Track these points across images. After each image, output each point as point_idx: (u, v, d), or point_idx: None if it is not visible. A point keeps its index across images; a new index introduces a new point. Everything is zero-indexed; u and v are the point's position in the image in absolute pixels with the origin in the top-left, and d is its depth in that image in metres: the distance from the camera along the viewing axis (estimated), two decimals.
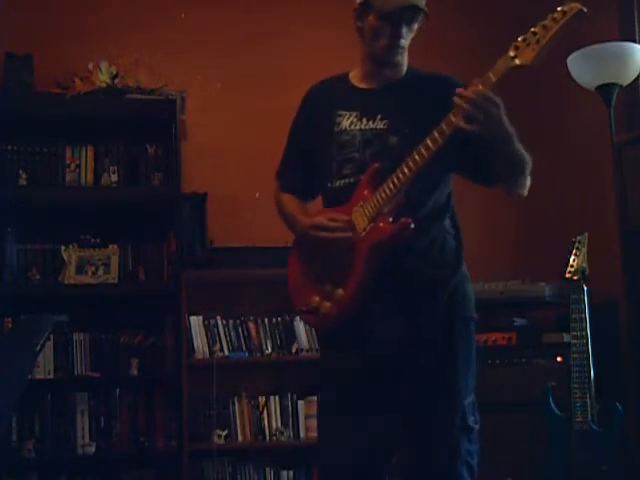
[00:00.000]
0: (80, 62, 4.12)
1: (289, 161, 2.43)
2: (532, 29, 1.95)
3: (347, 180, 2.20)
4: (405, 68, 2.29)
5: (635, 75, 3.67)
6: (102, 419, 3.97)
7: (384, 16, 2.15)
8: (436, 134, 2.00)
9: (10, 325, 3.89)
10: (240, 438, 4.08)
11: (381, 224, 2.10)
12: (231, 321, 4.15)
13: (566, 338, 3.49)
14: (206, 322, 4.11)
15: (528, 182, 2.21)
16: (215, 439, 3.99)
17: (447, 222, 2.27)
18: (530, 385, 3.46)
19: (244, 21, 4.46)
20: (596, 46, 3.63)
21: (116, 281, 4.05)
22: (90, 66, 4.09)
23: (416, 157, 2.03)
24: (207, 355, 4.06)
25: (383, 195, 2.10)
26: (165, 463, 3.97)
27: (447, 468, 2.17)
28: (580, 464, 3.11)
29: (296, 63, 4.44)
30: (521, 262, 4.36)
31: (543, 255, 4.24)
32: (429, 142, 2.01)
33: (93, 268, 4.06)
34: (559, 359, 3.64)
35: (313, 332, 4.13)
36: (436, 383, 2.18)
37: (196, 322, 4.09)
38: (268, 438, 4.09)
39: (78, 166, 4.09)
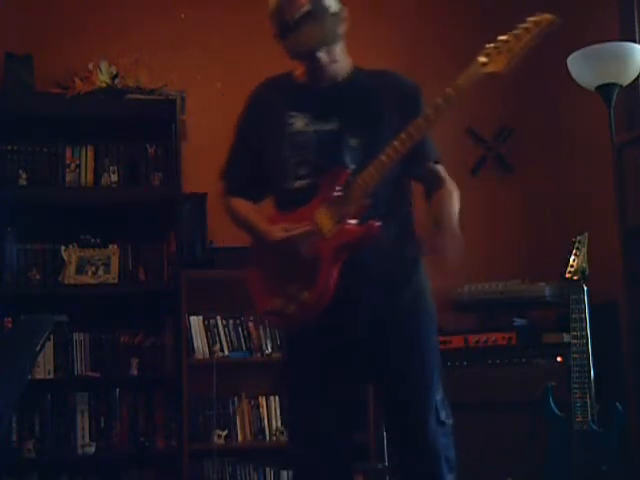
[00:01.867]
0: (80, 62, 4.12)
1: (236, 162, 2.38)
2: (503, 37, 2.00)
3: (305, 181, 2.20)
4: (346, 65, 2.29)
5: (635, 75, 3.67)
6: (102, 419, 3.98)
7: (296, 57, 2.24)
8: (396, 143, 2.06)
9: (10, 325, 3.89)
10: (240, 438, 4.08)
11: (347, 226, 2.12)
12: (231, 321, 4.15)
13: (566, 338, 3.49)
14: (206, 322, 4.11)
15: None
16: (215, 439, 3.99)
17: (407, 219, 2.31)
18: (530, 385, 3.46)
19: (244, 21, 4.46)
20: (596, 46, 3.63)
21: (116, 281, 4.05)
22: (90, 66, 4.09)
23: (383, 159, 2.06)
24: (207, 355, 4.06)
25: (347, 196, 2.12)
26: (165, 463, 3.98)
27: (429, 468, 2.21)
28: (580, 464, 3.11)
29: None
30: (521, 262, 4.36)
31: (543, 255, 4.25)
32: (392, 146, 2.06)
33: (93, 268, 4.06)
34: (559, 359, 3.64)
35: None
36: (406, 382, 2.22)
37: (196, 322, 4.09)
38: (268, 438, 4.09)
39: (78, 166, 4.09)
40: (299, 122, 2.24)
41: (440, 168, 2.34)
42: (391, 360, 2.22)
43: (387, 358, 2.22)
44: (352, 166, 2.16)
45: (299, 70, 2.33)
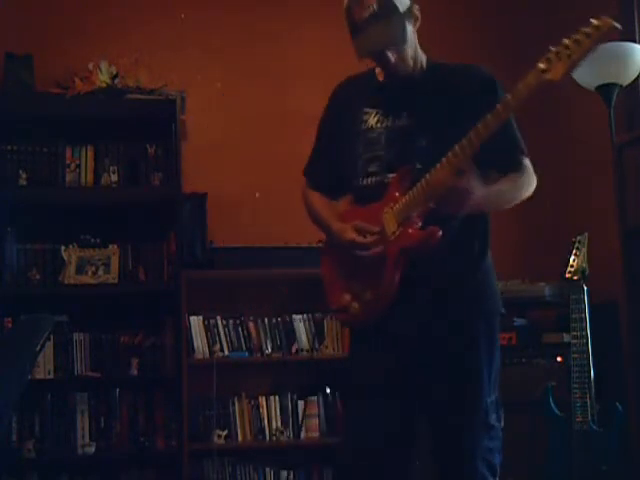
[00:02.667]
0: (80, 62, 4.12)
1: (317, 158, 2.42)
2: (565, 41, 1.90)
3: (374, 178, 2.21)
4: (421, 61, 2.27)
5: (635, 75, 3.67)
6: (102, 419, 3.97)
7: (366, 57, 2.19)
8: (457, 148, 2.00)
9: (10, 325, 3.89)
10: (240, 438, 4.08)
11: (410, 230, 2.10)
12: (231, 321, 4.15)
13: (566, 338, 3.49)
14: (206, 322, 4.11)
15: (520, 198, 2.23)
16: (215, 439, 3.99)
17: (475, 223, 2.23)
18: (530, 385, 3.46)
19: (244, 21, 4.46)
20: None
21: (116, 281, 4.05)
22: (90, 66, 4.09)
23: (447, 160, 2.02)
24: (207, 355, 4.06)
25: (413, 198, 2.10)
26: (165, 463, 3.97)
27: (466, 466, 2.17)
28: (580, 464, 3.11)
29: (296, 63, 4.44)
30: (521, 262, 4.36)
31: (543, 255, 4.24)
32: (457, 149, 2.00)
33: (93, 268, 4.06)
34: (559, 359, 3.64)
35: (313, 332, 4.13)
36: (459, 381, 2.18)
37: (196, 322, 4.09)
38: (268, 438, 4.09)
39: (78, 166, 4.09)
40: (372, 119, 2.24)
41: (523, 160, 2.23)
42: (446, 362, 2.17)
43: (443, 360, 2.17)
44: (419, 165, 2.12)
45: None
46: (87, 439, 3.93)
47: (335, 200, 2.39)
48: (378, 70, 2.30)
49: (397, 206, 2.13)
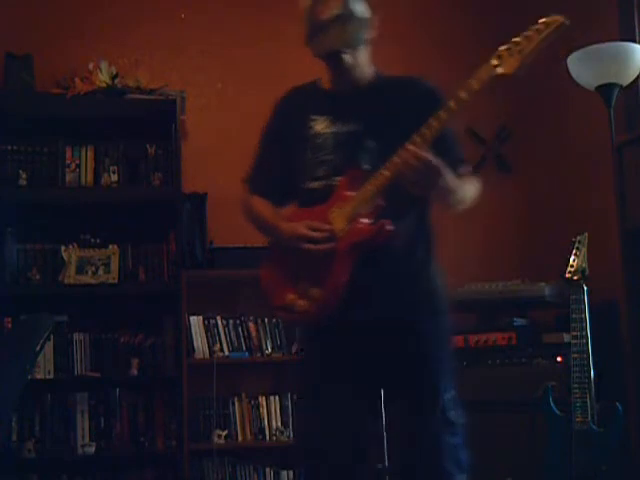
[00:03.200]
0: (80, 62, 4.12)
1: (261, 166, 2.43)
2: (514, 39, 2.01)
3: (321, 182, 2.23)
4: (370, 71, 2.33)
5: (635, 75, 3.66)
6: (102, 419, 3.98)
7: (321, 58, 2.25)
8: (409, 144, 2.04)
9: (10, 325, 3.89)
10: (240, 438, 4.09)
11: (359, 226, 2.13)
12: (231, 321, 4.15)
13: (566, 338, 3.49)
14: (206, 322, 4.11)
15: (468, 203, 2.30)
16: (215, 439, 4.00)
17: (420, 226, 2.32)
18: (530, 385, 3.45)
19: (244, 21, 4.46)
20: (596, 46, 3.63)
21: (116, 281, 4.05)
22: (90, 66, 4.09)
23: (396, 160, 2.06)
24: (207, 355, 4.06)
25: (361, 196, 2.14)
26: (165, 463, 3.98)
27: (433, 465, 2.19)
28: (580, 464, 3.11)
29: (296, 63, 4.43)
30: (521, 262, 4.36)
31: (543, 255, 4.25)
32: (412, 141, 2.04)
33: (93, 268, 4.06)
34: (559, 359, 3.64)
35: None
36: (414, 380, 2.21)
37: (196, 322, 4.09)
38: (268, 438, 4.09)
39: (78, 166, 4.09)
40: (319, 125, 2.28)
41: (464, 170, 2.28)
42: (401, 360, 2.21)
43: (397, 358, 2.21)
44: (367, 167, 2.18)
45: (324, 77, 2.37)
46: (87, 439, 3.93)
47: (277, 207, 2.39)
48: (323, 79, 2.36)
49: (346, 204, 2.16)
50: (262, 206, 2.37)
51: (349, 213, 2.15)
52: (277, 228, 2.28)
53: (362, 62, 2.29)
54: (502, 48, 2.02)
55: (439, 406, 2.20)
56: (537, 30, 2.01)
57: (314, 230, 2.17)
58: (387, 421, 2.35)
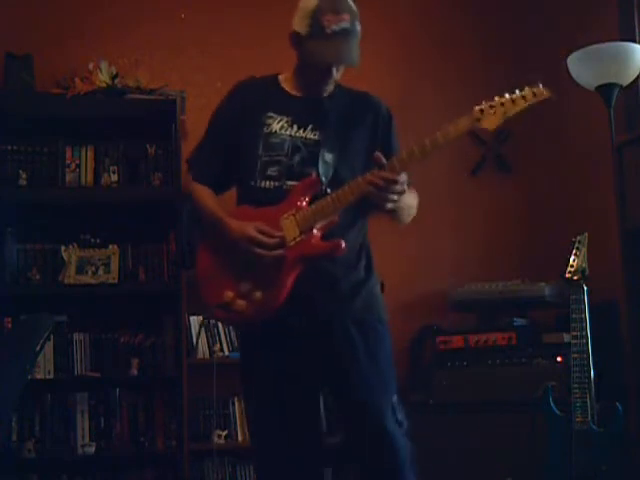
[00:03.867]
0: (80, 62, 4.12)
1: (207, 151, 2.40)
2: (500, 99, 2.10)
3: (273, 182, 2.24)
4: (333, 86, 2.36)
5: (635, 75, 3.67)
6: (102, 419, 3.97)
7: (315, 63, 2.24)
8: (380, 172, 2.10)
9: (10, 325, 3.89)
10: (240, 438, 4.08)
11: (313, 240, 2.15)
12: None
13: (566, 338, 3.49)
14: (206, 322, 4.10)
15: (412, 216, 2.39)
16: (215, 439, 3.99)
17: (361, 235, 2.36)
18: (530, 385, 3.45)
19: (244, 21, 4.46)
20: (596, 46, 3.63)
21: (116, 281, 4.05)
22: (90, 66, 4.09)
23: (362, 183, 2.11)
24: (207, 355, 4.06)
25: (319, 210, 2.15)
26: (165, 463, 3.97)
27: (391, 465, 2.22)
28: (580, 464, 3.11)
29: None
30: (521, 262, 4.36)
31: (543, 255, 4.25)
32: (374, 174, 2.10)
33: (93, 268, 4.05)
34: (559, 359, 3.64)
35: None
36: (362, 383, 2.23)
37: (196, 322, 4.09)
38: None
39: (78, 166, 4.09)
40: (276, 124, 2.29)
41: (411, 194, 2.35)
42: (345, 362, 2.24)
43: (341, 360, 2.24)
44: (323, 179, 2.21)
45: (285, 75, 2.38)
46: (87, 439, 3.93)
47: (217, 195, 2.40)
48: (283, 77, 2.38)
49: (301, 214, 2.17)
50: (206, 195, 2.35)
51: (302, 224, 2.16)
52: (225, 224, 2.26)
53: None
54: (486, 104, 2.10)
55: (389, 407, 2.24)
56: (524, 97, 2.12)
57: (264, 234, 2.17)
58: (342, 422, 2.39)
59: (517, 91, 2.12)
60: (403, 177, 2.09)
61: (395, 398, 2.27)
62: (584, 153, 4.29)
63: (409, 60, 4.49)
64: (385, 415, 2.21)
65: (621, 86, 3.66)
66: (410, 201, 2.30)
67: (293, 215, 2.17)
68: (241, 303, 2.18)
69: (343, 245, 2.13)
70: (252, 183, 2.26)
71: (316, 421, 2.34)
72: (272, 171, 2.25)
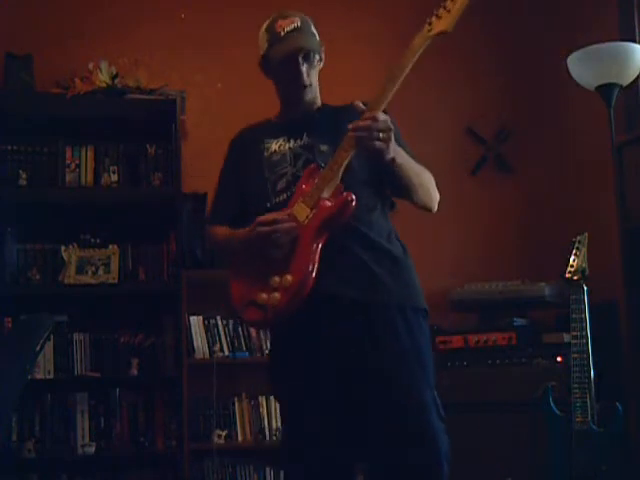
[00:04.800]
0: (80, 62, 4.12)
1: (221, 199, 2.49)
2: (442, 4, 2.16)
3: (284, 194, 2.28)
4: (319, 100, 2.44)
5: (635, 75, 3.67)
6: (102, 419, 3.97)
7: (280, 64, 2.34)
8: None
9: (10, 325, 3.89)
10: (240, 438, 4.08)
11: (322, 205, 2.17)
12: (231, 321, 4.15)
13: (566, 338, 3.49)
14: (206, 322, 4.11)
15: (435, 196, 2.39)
16: (215, 439, 3.99)
17: (389, 223, 2.35)
18: (530, 385, 3.46)
19: (244, 21, 4.45)
20: (596, 46, 3.63)
21: (116, 281, 4.05)
22: (90, 66, 4.09)
23: (350, 135, 2.14)
24: (207, 355, 4.06)
25: (320, 181, 2.18)
26: (165, 463, 3.97)
27: (434, 466, 2.18)
28: (580, 464, 3.11)
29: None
30: (521, 262, 4.36)
31: (543, 255, 4.25)
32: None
33: (93, 268, 4.06)
34: (559, 359, 3.64)
35: None
36: (403, 381, 2.20)
37: (196, 322, 4.09)
38: (268, 438, 4.09)
39: (78, 166, 4.09)
40: (274, 146, 2.36)
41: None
42: (385, 359, 2.20)
43: (381, 357, 2.20)
44: (322, 165, 2.25)
45: (274, 115, 2.48)
46: (87, 439, 3.93)
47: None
48: (273, 116, 2.47)
49: (306, 195, 2.20)
50: (225, 231, 2.39)
51: (309, 201, 2.18)
52: (240, 234, 2.28)
53: (314, 84, 2.39)
54: (432, 17, 2.17)
55: (432, 403, 2.22)
56: None
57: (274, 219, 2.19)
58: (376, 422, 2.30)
59: None
60: (382, 115, 2.12)
61: (435, 392, 2.25)
62: (584, 153, 4.29)
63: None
64: (430, 410, 2.20)
65: (621, 86, 3.66)
66: (412, 163, 2.28)
67: (301, 201, 2.20)
68: (275, 296, 2.17)
69: (352, 197, 2.13)
70: (268, 205, 2.30)
71: (357, 415, 2.25)
72: (281, 184, 2.30)
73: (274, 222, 2.17)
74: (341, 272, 2.19)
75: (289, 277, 2.15)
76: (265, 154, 2.36)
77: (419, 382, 2.22)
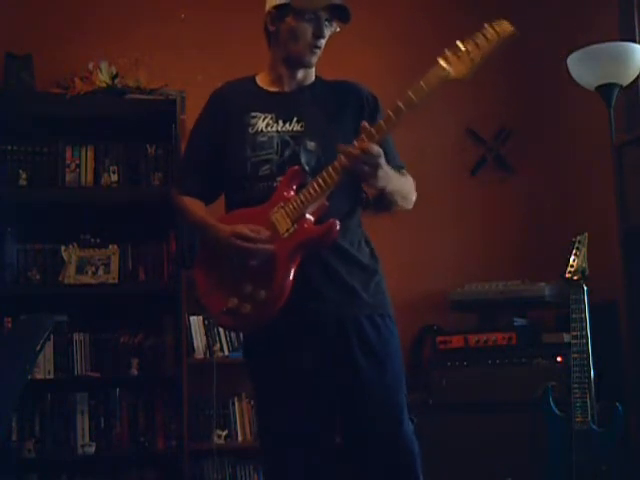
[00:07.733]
0: (80, 62, 4.12)
1: (190, 164, 2.39)
2: (461, 44, 2.03)
3: (265, 183, 2.21)
4: (312, 75, 2.35)
5: (635, 75, 3.67)
6: (102, 419, 3.97)
7: (306, 16, 2.22)
8: (357, 143, 2.06)
9: (10, 325, 3.89)
10: (240, 438, 4.08)
11: (306, 225, 2.12)
12: None
13: (566, 338, 3.49)
14: (206, 322, 4.11)
15: (413, 200, 2.34)
16: (215, 439, 3.99)
17: (361, 228, 2.33)
18: (530, 385, 3.46)
19: (244, 21, 4.45)
20: (596, 46, 3.63)
21: (116, 281, 4.05)
22: (90, 66, 4.09)
23: (342, 159, 2.07)
24: (207, 355, 4.06)
25: (307, 196, 2.12)
26: (165, 463, 3.98)
27: (408, 467, 2.19)
28: (580, 464, 3.11)
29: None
30: (521, 262, 4.36)
31: (543, 255, 4.25)
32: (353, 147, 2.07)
33: (93, 268, 4.06)
34: (559, 359, 3.64)
35: None
36: (378, 382, 2.20)
37: (196, 322, 4.09)
38: None
39: (78, 166, 4.09)
40: (261, 122, 2.27)
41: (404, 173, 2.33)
42: (359, 360, 2.19)
43: (354, 358, 2.19)
44: (307, 167, 2.19)
45: (261, 74, 2.37)
46: (87, 439, 3.93)
47: (207, 205, 2.37)
48: (261, 77, 2.35)
49: (289, 204, 2.14)
50: (194, 206, 2.33)
51: (293, 213, 2.13)
52: (215, 229, 2.23)
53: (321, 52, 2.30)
54: (448, 52, 2.04)
55: (404, 406, 2.22)
56: (486, 37, 2.03)
57: (254, 231, 2.14)
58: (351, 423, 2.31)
59: (479, 33, 2.05)
60: (375, 148, 2.04)
61: (405, 395, 2.25)
62: (584, 153, 4.29)
63: (409, 60, 4.49)
64: (402, 413, 2.20)
65: (621, 86, 3.66)
66: (401, 183, 2.25)
67: (282, 207, 2.14)
68: (247, 306, 2.14)
69: (338, 225, 2.09)
70: (247, 185, 2.24)
71: (331, 421, 2.29)
72: (264, 171, 2.22)
73: (252, 240, 2.12)
74: (316, 285, 2.17)
75: (262, 293, 2.12)
76: (250, 130, 2.26)
77: (396, 384, 2.22)
